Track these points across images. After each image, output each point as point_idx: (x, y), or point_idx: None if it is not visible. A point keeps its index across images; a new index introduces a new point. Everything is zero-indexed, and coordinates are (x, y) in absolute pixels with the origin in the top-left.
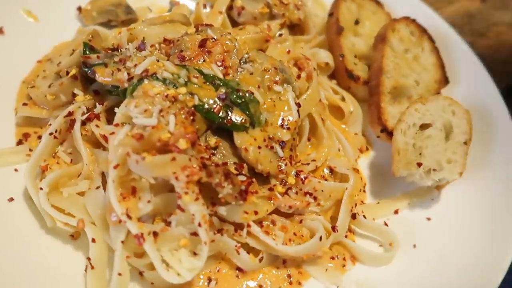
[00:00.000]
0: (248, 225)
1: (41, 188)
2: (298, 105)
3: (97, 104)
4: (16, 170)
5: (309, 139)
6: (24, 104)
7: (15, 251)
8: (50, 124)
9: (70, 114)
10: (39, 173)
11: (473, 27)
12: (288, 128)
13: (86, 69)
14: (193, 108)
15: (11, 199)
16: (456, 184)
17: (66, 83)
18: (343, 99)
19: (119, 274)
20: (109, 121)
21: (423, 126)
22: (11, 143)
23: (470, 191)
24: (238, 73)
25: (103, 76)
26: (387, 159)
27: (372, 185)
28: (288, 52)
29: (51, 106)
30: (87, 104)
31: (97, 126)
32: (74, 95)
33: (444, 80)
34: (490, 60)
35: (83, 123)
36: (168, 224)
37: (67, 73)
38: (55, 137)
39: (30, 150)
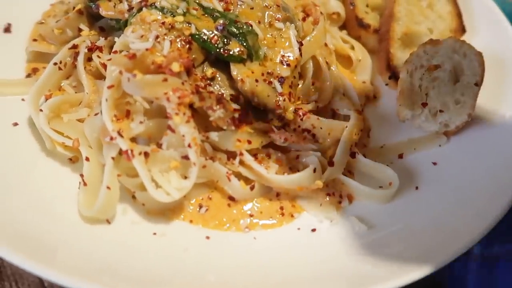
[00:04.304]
0: (241, 154)
1: (41, 110)
2: (300, 43)
3: (101, 38)
4: (23, 99)
5: (313, 84)
6: (34, 40)
7: (16, 170)
8: None
9: (75, 46)
10: (43, 101)
11: None
12: (288, 65)
13: (90, 3)
14: (190, 37)
15: (16, 124)
16: (466, 131)
17: (72, 18)
18: (352, 48)
19: (108, 188)
20: None
21: (431, 69)
22: (20, 77)
23: (481, 138)
24: (238, 7)
25: (106, 10)
26: (395, 108)
27: (378, 132)
28: None
29: (59, 41)
30: (92, 38)
31: (98, 56)
32: (80, 30)
33: (461, 29)
34: None
35: (89, 60)
36: (160, 146)
37: (74, 9)
38: (59, 68)
39: None
